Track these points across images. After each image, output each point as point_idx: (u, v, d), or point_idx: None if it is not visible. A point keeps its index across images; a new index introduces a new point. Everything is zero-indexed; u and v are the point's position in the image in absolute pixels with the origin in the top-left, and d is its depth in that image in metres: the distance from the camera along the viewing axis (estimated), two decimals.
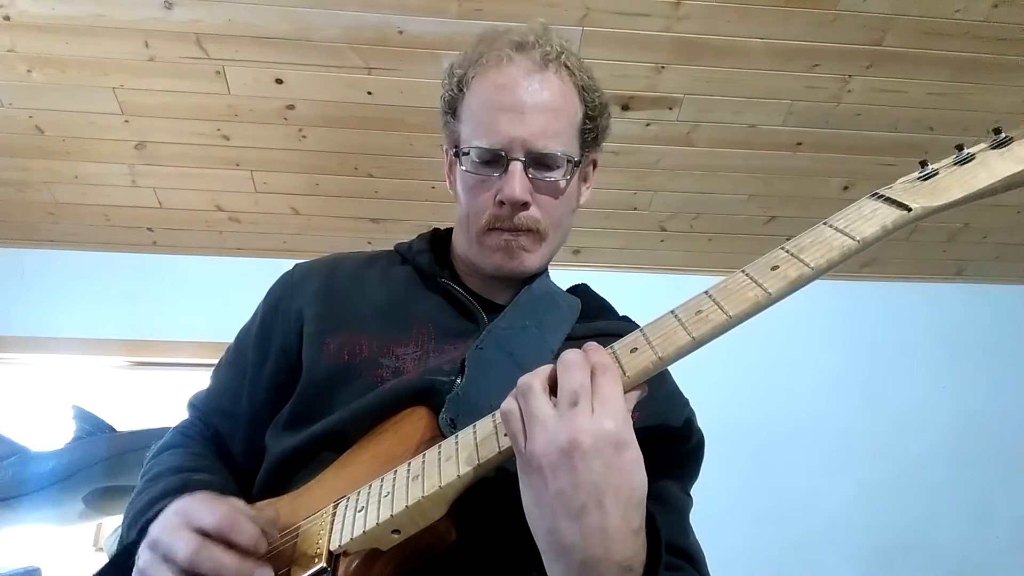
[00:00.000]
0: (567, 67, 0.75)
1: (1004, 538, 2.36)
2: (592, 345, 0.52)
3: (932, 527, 2.34)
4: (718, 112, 2.01)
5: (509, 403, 0.50)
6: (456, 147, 0.78)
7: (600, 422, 0.46)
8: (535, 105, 0.72)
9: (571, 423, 0.46)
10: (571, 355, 0.50)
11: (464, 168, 0.75)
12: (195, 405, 0.83)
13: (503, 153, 0.72)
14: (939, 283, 2.62)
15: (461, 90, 0.77)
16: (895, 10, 1.76)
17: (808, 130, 2.07)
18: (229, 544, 0.53)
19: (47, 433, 1.98)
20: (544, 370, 0.51)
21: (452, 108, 0.79)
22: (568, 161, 0.75)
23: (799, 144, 2.12)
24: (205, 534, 0.53)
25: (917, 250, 2.51)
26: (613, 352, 0.53)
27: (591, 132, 0.79)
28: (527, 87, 0.72)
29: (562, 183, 0.75)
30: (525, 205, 0.73)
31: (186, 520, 0.54)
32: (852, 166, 2.19)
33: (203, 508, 0.55)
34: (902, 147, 2.12)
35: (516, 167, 0.72)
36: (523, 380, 0.50)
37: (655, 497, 0.68)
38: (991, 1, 1.76)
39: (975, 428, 2.45)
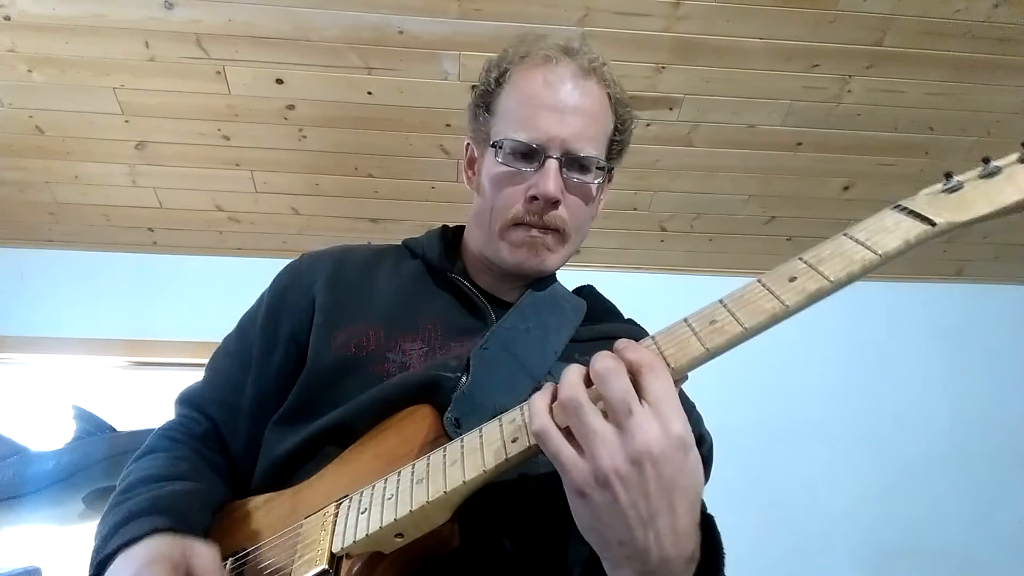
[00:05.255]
0: (605, 79, 0.78)
1: (1004, 538, 2.36)
2: (624, 342, 0.48)
3: (932, 527, 2.33)
4: (718, 112, 2.00)
5: (542, 421, 0.46)
6: (491, 141, 0.78)
7: (667, 427, 0.44)
8: (576, 107, 0.74)
9: (637, 433, 0.44)
10: (603, 361, 0.46)
11: (498, 159, 0.76)
12: (188, 400, 0.80)
13: (540, 149, 0.73)
14: (939, 283, 2.61)
15: (499, 84, 0.78)
16: (895, 10, 1.76)
17: (808, 130, 2.07)
18: None
19: (47, 433, 1.98)
20: (577, 380, 0.47)
21: (485, 102, 0.80)
22: (599, 167, 0.76)
23: (799, 144, 2.12)
24: None
25: (917, 250, 2.50)
26: (654, 342, 0.49)
27: (618, 144, 0.81)
28: (571, 89, 0.74)
29: (593, 186, 0.77)
30: (556, 203, 0.74)
31: None
32: (852, 166, 2.19)
33: None
34: (902, 147, 2.12)
35: (552, 164, 0.73)
36: (566, 395, 0.46)
37: None
38: (991, 1, 1.75)
39: (975, 428, 2.45)
